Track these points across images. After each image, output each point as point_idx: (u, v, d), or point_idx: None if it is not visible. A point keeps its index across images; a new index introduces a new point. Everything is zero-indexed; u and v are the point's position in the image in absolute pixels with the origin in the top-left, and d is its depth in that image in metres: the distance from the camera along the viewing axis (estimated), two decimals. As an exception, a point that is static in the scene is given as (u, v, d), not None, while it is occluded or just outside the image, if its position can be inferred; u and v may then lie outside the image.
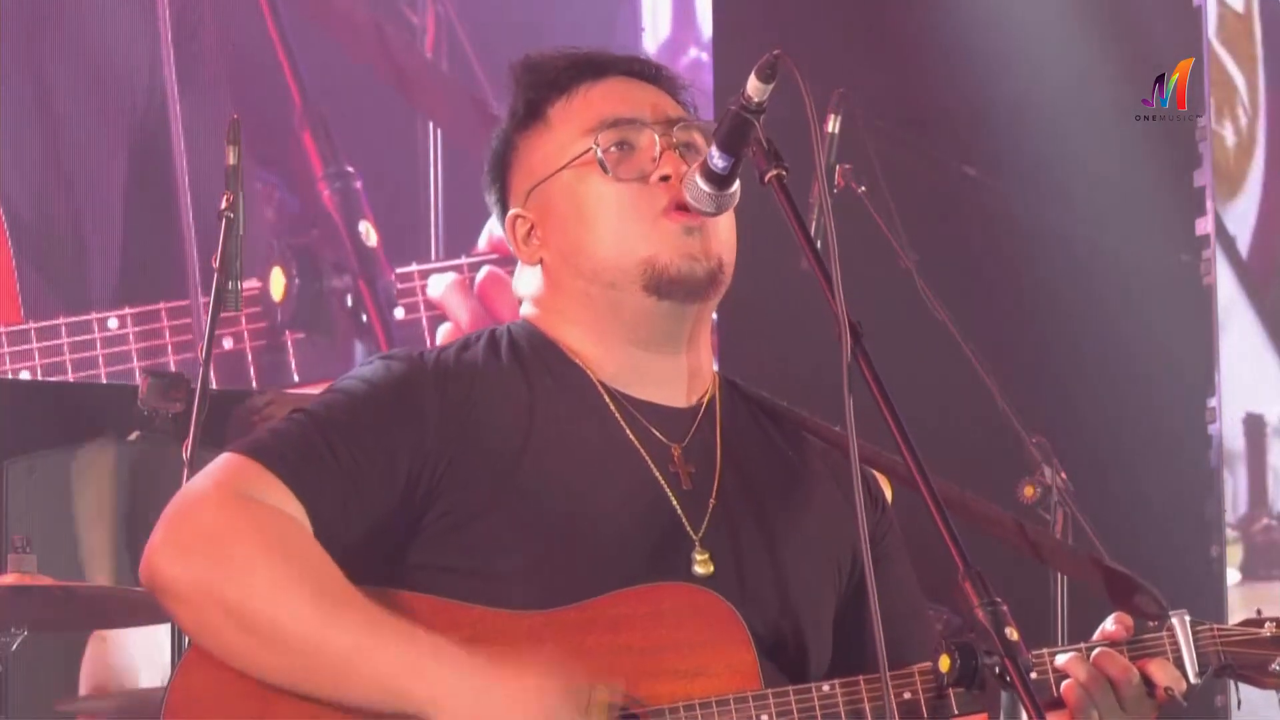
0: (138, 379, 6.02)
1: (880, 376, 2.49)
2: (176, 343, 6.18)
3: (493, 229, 6.51)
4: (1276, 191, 7.42)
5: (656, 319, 2.79)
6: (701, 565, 2.71)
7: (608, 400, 2.78)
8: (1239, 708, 2.84)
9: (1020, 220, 6.91)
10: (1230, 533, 7.03)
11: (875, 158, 5.21)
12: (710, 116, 2.88)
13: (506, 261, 6.48)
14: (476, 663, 2.51)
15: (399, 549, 2.67)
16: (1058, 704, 2.64)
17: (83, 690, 5.41)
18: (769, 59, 2.59)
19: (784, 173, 2.60)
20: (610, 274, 2.78)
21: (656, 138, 2.80)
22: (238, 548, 2.53)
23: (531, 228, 2.86)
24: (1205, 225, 7.17)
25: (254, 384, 6.22)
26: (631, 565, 2.66)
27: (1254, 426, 7.31)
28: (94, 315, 6.14)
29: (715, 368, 2.95)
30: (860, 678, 2.61)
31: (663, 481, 2.75)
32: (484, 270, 6.53)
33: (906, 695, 2.59)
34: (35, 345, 6.07)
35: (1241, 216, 7.39)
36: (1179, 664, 2.67)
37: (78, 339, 6.11)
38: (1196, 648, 2.67)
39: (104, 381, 6.11)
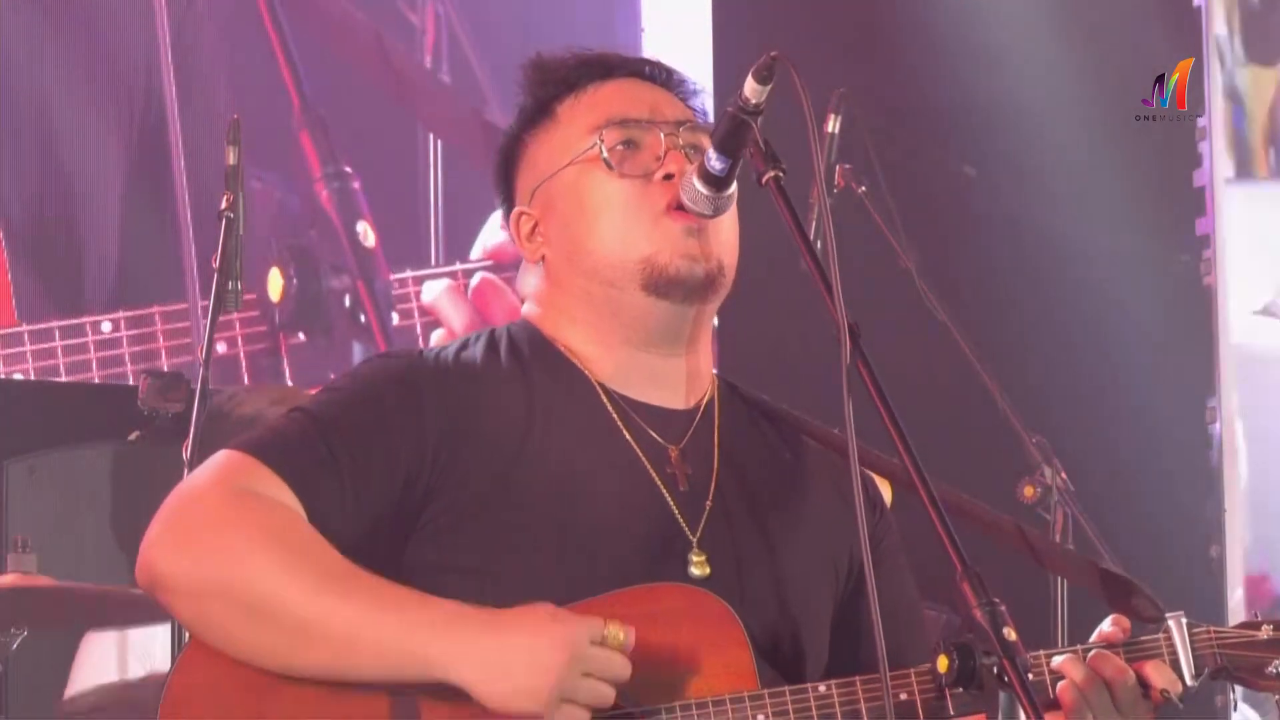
0: (131, 382, 6.03)
1: (879, 378, 2.49)
2: (170, 346, 6.18)
3: (487, 237, 6.52)
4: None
5: (655, 319, 2.79)
6: (698, 566, 2.71)
7: (606, 401, 2.78)
8: (1235, 709, 2.85)
9: (1020, 220, 6.90)
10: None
11: (875, 158, 5.21)
12: (710, 117, 2.88)
13: (501, 269, 6.49)
14: (489, 617, 2.51)
15: (395, 548, 2.67)
16: (1054, 705, 2.64)
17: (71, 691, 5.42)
18: (766, 60, 2.59)
19: (781, 174, 2.60)
20: (610, 272, 2.78)
21: (662, 136, 2.80)
22: (235, 537, 2.54)
23: (535, 225, 2.87)
24: (1205, 225, 7.16)
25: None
26: (628, 566, 2.66)
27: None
28: (87, 318, 6.13)
29: (715, 370, 2.95)
30: (857, 678, 2.61)
31: (659, 483, 2.75)
32: (478, 276, 6.53)
33: (903, 696, 2.60)
34: (29, 348, 6.07)
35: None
36: (1175, 666, 2.67)
37: (71, 342, 6.11)
38: (1193, 650, 2.68)
39: (88, 383, 6.11)
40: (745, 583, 2.70)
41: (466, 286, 6.55)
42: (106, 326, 6.14)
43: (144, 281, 6.24)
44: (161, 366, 6.15)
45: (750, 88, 2.60)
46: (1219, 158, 7.23)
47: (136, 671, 5.25)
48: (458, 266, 6.55)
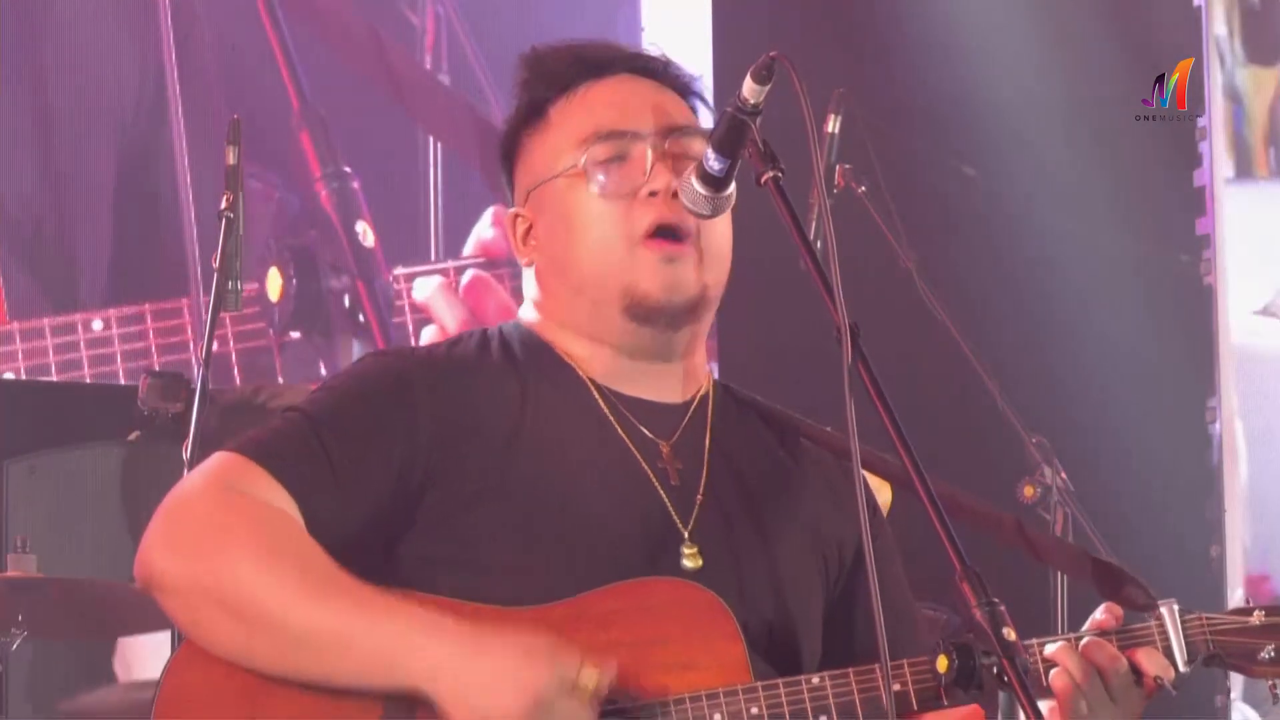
0: (121, 380, 6.03)
1: (879, 378, 2.49)
2: (160, 344, 6.18)
3: (480, 233, 6.52)
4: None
5: (641, 341, 2.80)
6: (690, 559, 2.72)
7: (598, 397, 2.79)
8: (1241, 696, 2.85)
9: (1020, 220, 6.90)
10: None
11: (875, 158, 5.21)
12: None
13: (493, 265, 6.48)
14: (470, 634, 2.51)
15: (391, 542, 2.67)
16: (1047, 694, 2.65)
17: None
18: (765, 60, 2.59)
19: (780, 174, 2.60)
20: (593, 292, 2.78)
21: (649, 150, 2.78)
22: (227, 539, 2.55)
23: (530, 228, 2.86)
24: (1205, 225, 7.16)
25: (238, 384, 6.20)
26: (621, 559, 2.67)
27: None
28: (79, 316, 6.13)
29: (715, 373, 2.95)
30: (850, 670, 2.62)
31: (651, 476, 2.75)
32: (469, 274, 6.53)
33: (896, 687, 2.59)
34: (19, 346, 6.07)
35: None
36: (1168, 653, 2.67)
37: (62, 340, 6.10)
38: (1185, 637, 2.67)
39: (88, 383, 6.11)
40: (737, 575, 2.71)
41: (458, 284, 6.55)
42: (98, 325, 6.14)
43: (134, 281, 6.23)
44: (153, 364, 6.15)
45: (749, 88, 2.60)
46: (1219, 158, 7.23)
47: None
48: (449, 264, 6.55)
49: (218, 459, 2.63)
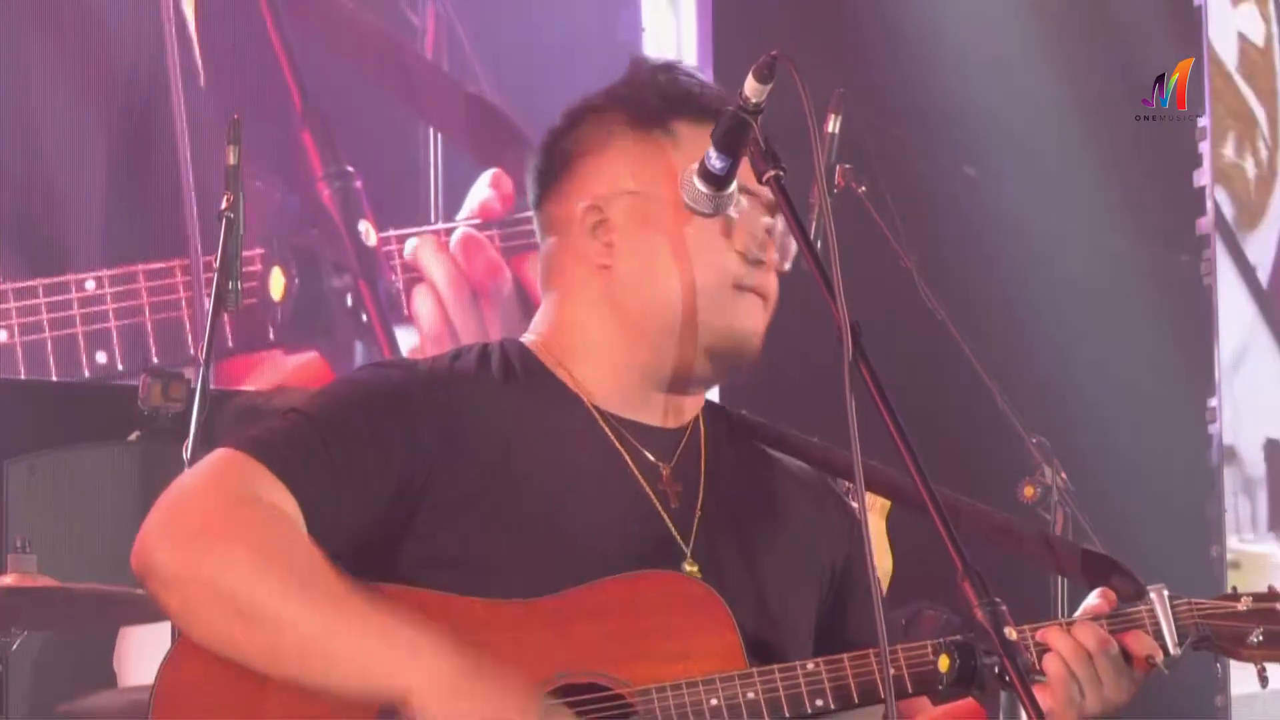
0: (114, 340, 6.04)
1: (879, 377, 2.49)
2: (154, 303, 6.18)
3: (479, 194, 6.51)
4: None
5: (695, 378, 2.81)
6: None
7: (598, 418, 2.79)
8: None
9: (1020, 220, 6.91)
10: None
11: (875, 158, 5.21)
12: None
13: (485, 227, 6.47)
14: (452, 665, 2.51)
15: (391, 547, 2.67)
16: (1039, 677, 2.66)
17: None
18: (767, 59, 2.58)
19: (782, 173, 2.60)
20: (682, 321, 2.77)
21: (764, 223, 2.78)
22: (225, 535, 2.55)
23: (601, 222, 2.80)
24: (1205, 225, 7.17)
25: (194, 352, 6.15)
26: (621, 572, 2.67)
27: (1275, 453, 7.34)
28: (71, 277, 6.13)
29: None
30: (844, 655, 2.63)
31: (653, 498, 2.77)
32: (459, 231, 6.52)
33: (891, 671, 2.60)
34: (13, 305, 6.07)
35: (1262, 246, 7.41)
36: (1158, 636, 2.69)
37: (55, 299, 6.10)
38: (1175, 620, 2.70)
39: (81, 344, 6.11)
40: (736, 593, 2.71)
41: (448, 243, 6.55)
42: (90, 285, 6.14)
43: (126, 241, 6.22)
44: (145, 324, 6.15)
45: (751, 87, 2.59)
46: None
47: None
48: (440, 226, 6.54)
49: (219, 455, 2.63)
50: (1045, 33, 7.01)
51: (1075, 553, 2.87)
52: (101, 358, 6.12)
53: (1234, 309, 7.28)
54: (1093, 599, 2.74)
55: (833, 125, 5.14)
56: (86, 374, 6.10)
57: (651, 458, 2.79)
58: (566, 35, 6.60)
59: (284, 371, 6.36)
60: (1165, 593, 2.71)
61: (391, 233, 6.51)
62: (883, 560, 4.68)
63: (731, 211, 2.76)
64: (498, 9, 6.81)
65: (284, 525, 2.58)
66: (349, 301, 6.45)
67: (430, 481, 2.67)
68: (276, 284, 6.35)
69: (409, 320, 6.55)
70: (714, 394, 2.97)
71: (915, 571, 4.28)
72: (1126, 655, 2.67)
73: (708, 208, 2.74)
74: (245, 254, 4.63)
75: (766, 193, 2.74)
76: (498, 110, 6.55)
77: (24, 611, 4.79)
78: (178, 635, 2.63)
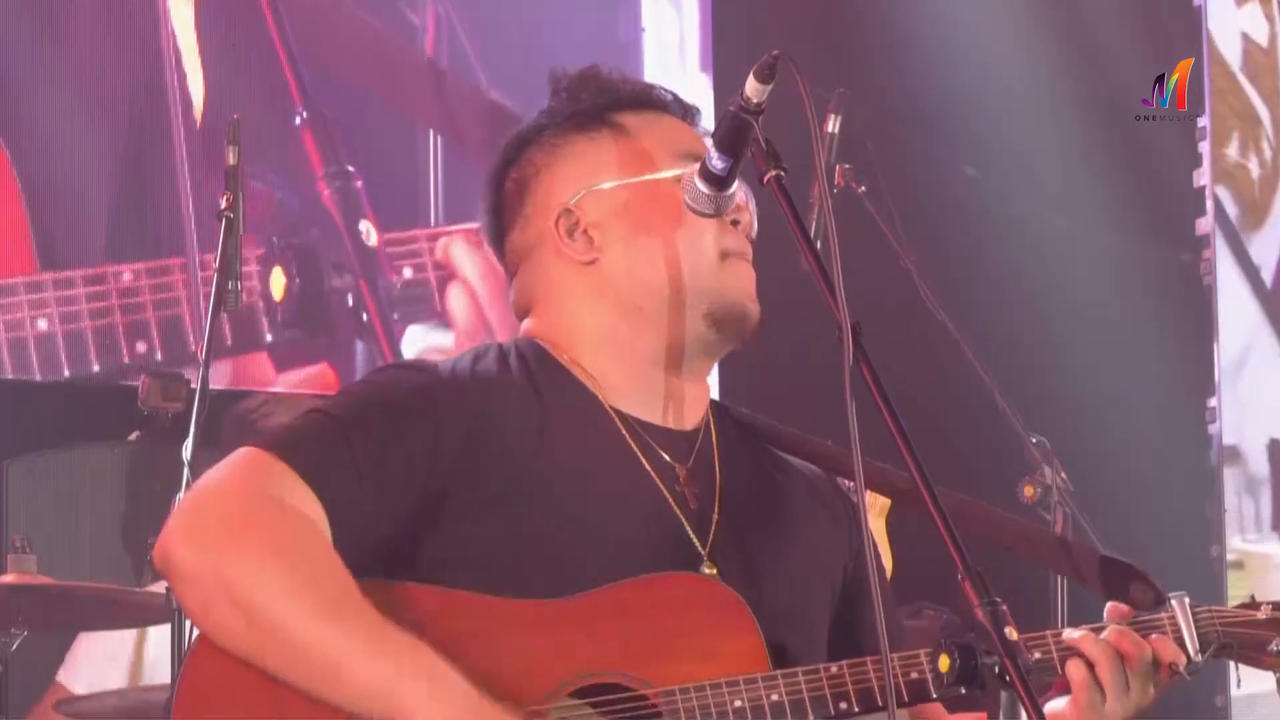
0: (153, 330, 6.05)
1: (880, 377, 2.49)
2: (190, 294, 6.19)
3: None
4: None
5: (700, 346, 2.82)
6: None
7: (616, 420, 2.79)
8: (1239, 686, 2.87)
9: (1020, 220, 6.91)
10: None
11: (875, 158, 5.21)
12: (710, 118, 2.88)
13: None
14: (467, 696, 2.51)
15: (411, 548, 2.67)
16: (1046, 687, 2.66)
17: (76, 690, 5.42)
18: (768, 59, 2.59)
19: (783, 173, 2.60)
20: (675, 293, 2.79)
21: (738, 183, 2.78)
22: (252, 542, 2.55)
23: (576, 225, 2.83)
24: (1205, 225, 7.17)
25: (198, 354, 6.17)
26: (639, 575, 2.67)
27: (1279, 453, 7.34)
28: (108, 267, 6.14)
29: (716, 371, 2.97)
30: (868, 659, 2.62)
31: (671, 500, 2.77)
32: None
33: (914, 675, 2.61)
34: (52, 294, 6.08)
35: (1267, 247, 7.42)
36: (1180, 644, 2.69)
37: (94, 289, 6.12)
38: (1197, 628, 2.69)
39: (120, 333, 6.12)
40: (753, 593, 2.70)
41: (480, 241, 6.55)
42: (127, 276, 6.15)
43: (161, 234, 6.24)
44: (182, 315, 6.16)
45: (752, 87, 2.60)
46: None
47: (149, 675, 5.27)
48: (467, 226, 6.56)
49: (244, 454, 2.63)
50: (1046, 33, 7.01)
51: (1094, 559, 2.87)
52: (141, 347, 6.14)
53: (1238, 309, 7.28)
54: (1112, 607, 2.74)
55: (833, 125, 5.14)
56: (126, 360, 6.12)
57: (668, 459, 2.80)
58: (567, 36, 6.60)
59: (282, 371, 6.36)
60: (1187, 600, 2.71)
61: (420, 230, 6.53)
62: (883, 560, 4.68)
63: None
64: (498, 9, 6.81)
65: (306, 532, 2.58)
66: (350, 301, 6.45)
67: (454, 483, 2.67)
68: (277, 284, 6.35)
69: (442, 317, 6.55)
70: (715, 392, 2.97)
71: (915, 571, 4.28)
72: (1154, 661, 2.67)
73: (710, 208, 2.74)
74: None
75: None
76: (501, 107, 6.55)
77: (24, 611, 4.78)
78: (176, 640, 2.63)
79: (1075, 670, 2.65)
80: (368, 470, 2.63)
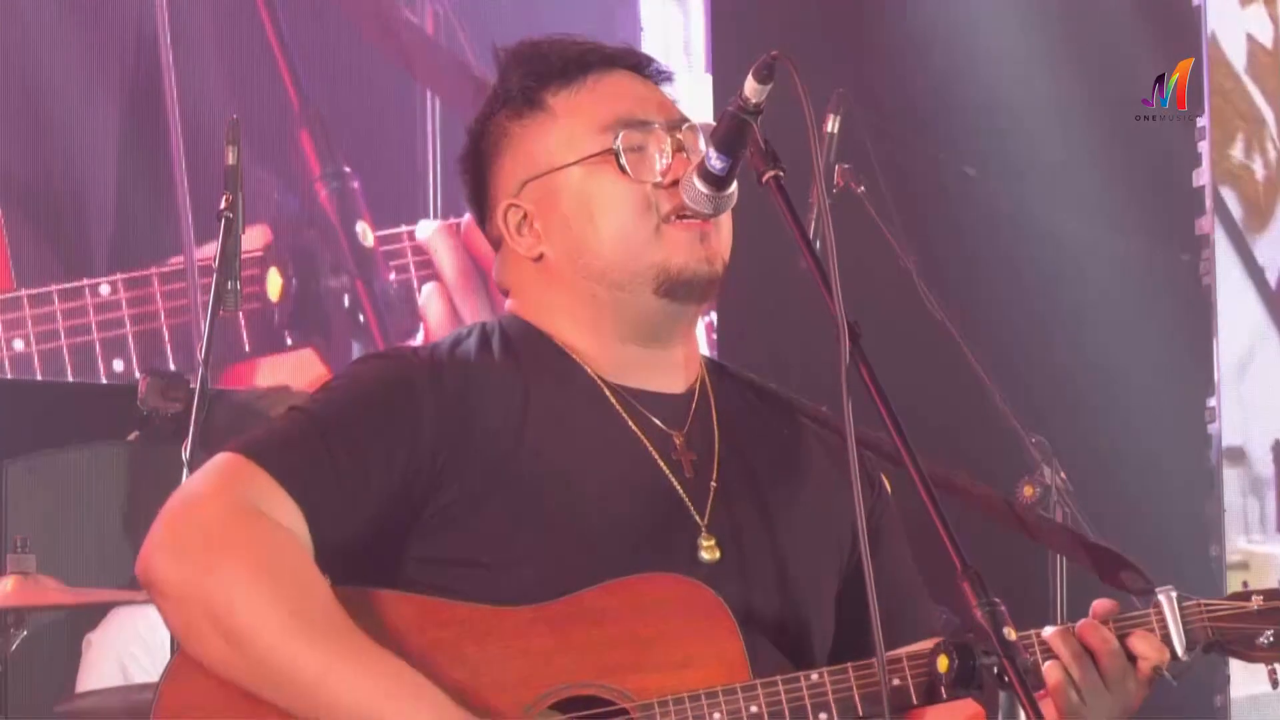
0: (130, 345, 6.03)
1: (878, 378, 2.49)
2: (170, 307, 6.17)
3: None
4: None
5: (661, 319, 2.78)
6: (708, 551, 2.70)
7: (606, 392, 2.77)
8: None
9: (1020, 220, 6.91)
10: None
11: (875, 158, 5.21)
12: (709, 117, 2.87)
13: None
14: (449, 710, 2.50)
15: (398, 544, 2.66)
16: (1042, 684, 2.64)
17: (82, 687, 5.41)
18: (766, 60, 2.58)
19: (781, 174, 2.60)
20: (619, 275, 2.76)
21: (668, 140, 2.78)
22: (232, 560, 2.53)
23: (524, 218, 2.83)
24: (1205, 225, 7.17)
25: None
26: (637, 553, 2.65)
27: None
28: (85, 281, 6.12)
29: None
30: (849, 665, 2.60)
31: (666, 470, 2.74)
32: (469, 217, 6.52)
33: (895, 682, 2.59)
34: (28, 312, 6.06)
35: (1271, 248, 7.41)
36: (1166, 640, 2.65)
37: (70, 305, 6.09)
38: (1184, 624, 2.66)
39: (98, 351, 6.10)
40: (753, 565, 2.69)
41: (459, 227, 6.54)
42: (105, 289, 6.13)
43: (140, 244, 6.22)
44: (161, 328, 6.15)
45: (750, 87, 2.59)
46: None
47: (138, 676, 5.25)
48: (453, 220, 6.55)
49: (221, 461, 2.62)
50: (1046, 32, 7.01)
51: (1079, 543, 2.86)
52: (119, 365, 6.12)
53: (1242, 310, 7.28)
54: (1098, 604, 2.71)
55: (832, 125, 5.14)
56: (104, 381, 6.09)
57: (663, 426, 2.77)
58: (572, 35, 6.59)
59: (282, 372, 6.35)
60: (1174, 594, 2.67)
61: (404, 229, 6.51)
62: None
63: (633, 151, 2.76)
64: (497, 9, 6.81)
65: (286, 548, 2.56)
66: (346, 301, 6.45)
67: (437, 478, 2.65)
68: (274, 284, 6.35)
69: (416, 315, 6.54)
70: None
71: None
72: (1131, 657, 2.64)
73: (708, 208, 2.74)
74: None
75: (660, 115, 2.79)
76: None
77: (24, 611, 4.78)
78: (177, 648, 2.62)
79: (1052, 673, 2.62)
80: (346, 467, 2.62)
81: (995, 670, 2.42)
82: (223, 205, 4.51)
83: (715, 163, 2.68)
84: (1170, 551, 6.55)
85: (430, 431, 2.66)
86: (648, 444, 2.75)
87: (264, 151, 6.32)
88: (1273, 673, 2.67)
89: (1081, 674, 2.62)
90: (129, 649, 5.34)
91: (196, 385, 4.46)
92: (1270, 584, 2.70)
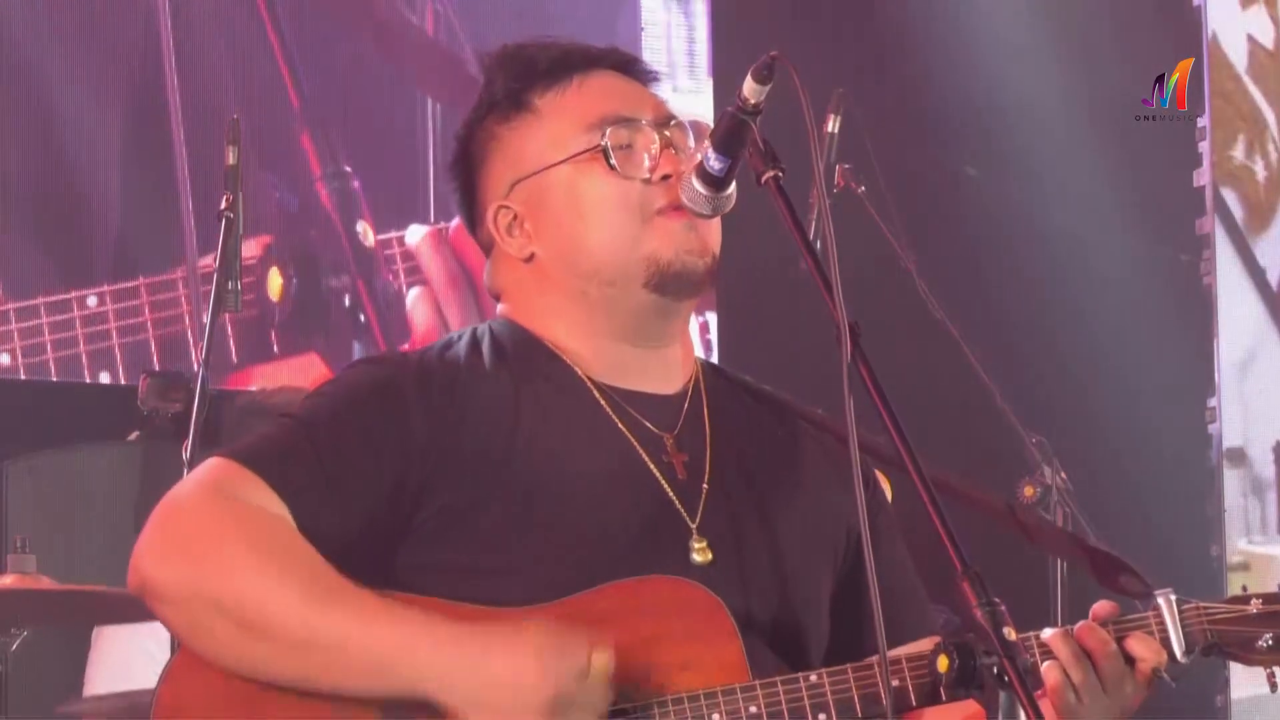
0: (117, 357, 6.03)
1: (879, 378, 2.49)
2: (156, 318, 6.17)
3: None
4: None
5: (653, 315, 2.78)
6: (699, 553, 2.70)
7: (596, 394, 2.77)
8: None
9: (1020, 220, 6.91)
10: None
11: (875, 157, 5.21)
12: (710, 118, 2.88)
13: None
14: (474, 637, 2.51)
15: (388, 549, 2.66)
16: (1041, 684, 2.64)
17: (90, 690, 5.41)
18: (765, 60, 2.58)
19: (781, 174, 2.60)
20: (610, 272, 2.76)
21: (656, 136, 2.78)
22: (223, 545, 2.54)
23: (514, 220, 2.83)
24: (1206, 225, 7.17)
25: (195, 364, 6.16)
26: (628, 557, 2.65)
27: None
28: (73, 294, 6.12)
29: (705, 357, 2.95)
30: (848, 666, 2.60)
31: (656, 472, 2.74)
32: (457, 220, 6.52)
33: (895, 683, 2.59)
34: (15, 326, 6.06)
35: (1272, 248, 7.41)
36: (1165, 643, 2.65)
37: (57, 318, 6.09)
38: (1183, 627, 2.66)
39: (84, 362, 6.10)
40: (747, 567, 2.69)
41: (446, 231, 6.54)
42: (92, 301, 6.12)
43: (128, 255, 6.22)
44: (148, 339, 6.14)
45: (749, 87, 2.59)
46: (1219, 158, 7.25)
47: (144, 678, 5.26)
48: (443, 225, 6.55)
49: (210, 465, 2.62)
50: (1046, 32, 7.01)
51: (1078, 546, 2.86)
52: (105, 378, 6.11)
53: (1243, 311, 7.28)
54: (1097, 607, 2.71)
55: (832, 125, 5.15)
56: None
57: (653, 428, 2.77)
58: (566, 35, 6.60)
59: (282, 373, 6.35)
60: (1173, 597, 2.67)
61: (393, 234, 6.51)
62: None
63: (621, 149, 2.77)
64: (496, 9, 6.81)
65: (279, 529, 2.57)
66: (347, 302, 6.45)
67: (427, 484, 2.65)
68: (274, 284, 6.35)
69: (405, 321, 6.54)
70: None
71: (916, 571, 4.27)
72: (1129, 659, 2.64)
73: (707, 209, 2.74)
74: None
75: (648, 112, 2.79)
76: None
77: (24, 611, 4.78)
78: (176, 648, 2.62)
79: (1050, 674, 2.62)
80: (336, 472, 2.62)
81: (995, 670, 2.42)
82: (223, 205, 4.51)
83: (714, 163, 2.68)
84: (1170, 552, 6.55)
85: (420, 436, 2.66)
86: (638, 446, 2.75)
87: (265, 152, 6.32)
88: (1271, 676, 2.67)
89: (1080, 675, 2.62)
90: (140, 641, 5.35)
91: (196, 385, 4.47)
92: (1271, 585, 2.70)
